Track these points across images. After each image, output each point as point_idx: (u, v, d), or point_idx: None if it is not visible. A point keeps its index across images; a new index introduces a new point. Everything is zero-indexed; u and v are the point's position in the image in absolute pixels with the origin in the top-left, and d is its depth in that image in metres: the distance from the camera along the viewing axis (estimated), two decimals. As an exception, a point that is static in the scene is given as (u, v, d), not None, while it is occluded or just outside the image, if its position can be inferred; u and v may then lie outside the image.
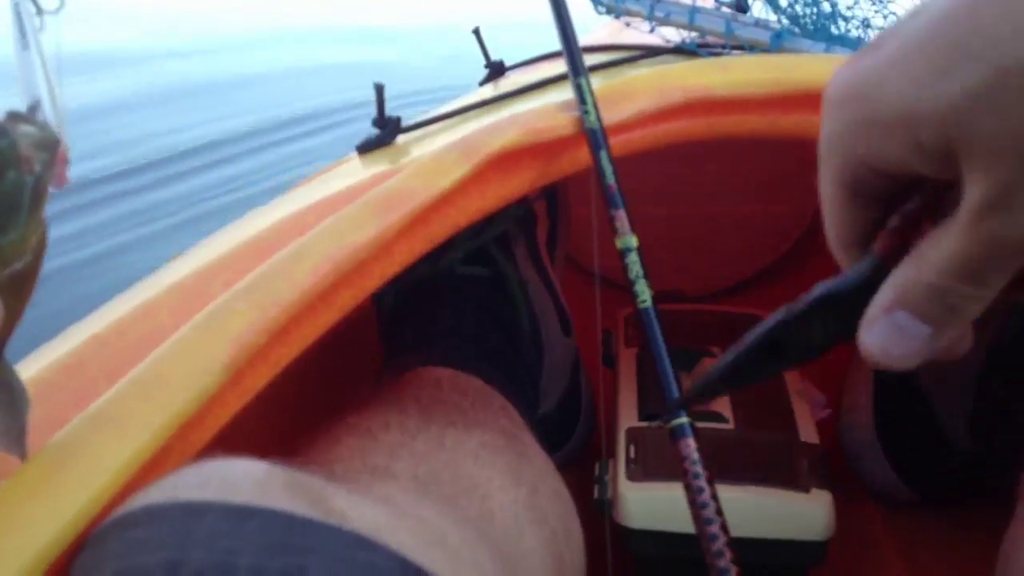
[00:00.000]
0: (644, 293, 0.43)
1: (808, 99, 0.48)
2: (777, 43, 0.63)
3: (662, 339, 0.42)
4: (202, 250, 0.47)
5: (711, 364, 0.35)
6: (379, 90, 0.58)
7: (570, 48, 0.49)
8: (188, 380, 0.30)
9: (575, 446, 0.72)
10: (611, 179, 0.45)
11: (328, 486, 0.29)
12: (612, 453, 0.61)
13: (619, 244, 0.45)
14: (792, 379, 0.67)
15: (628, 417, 0.63)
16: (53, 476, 0.27)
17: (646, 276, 0.44)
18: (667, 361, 0.42)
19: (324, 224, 0.39)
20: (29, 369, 0.35)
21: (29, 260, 0.27)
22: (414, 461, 0.42)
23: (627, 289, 0.44)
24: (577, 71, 0.48)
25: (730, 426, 0.61)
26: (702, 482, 0.38)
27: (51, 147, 0.27)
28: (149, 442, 0.28)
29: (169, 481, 0.27)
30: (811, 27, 0.66)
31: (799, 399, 0.65)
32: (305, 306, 0.35)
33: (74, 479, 0.27)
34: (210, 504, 0.25)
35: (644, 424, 0.62)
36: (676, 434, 0.40)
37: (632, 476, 0.57)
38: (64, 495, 0.26)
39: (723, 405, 0.63)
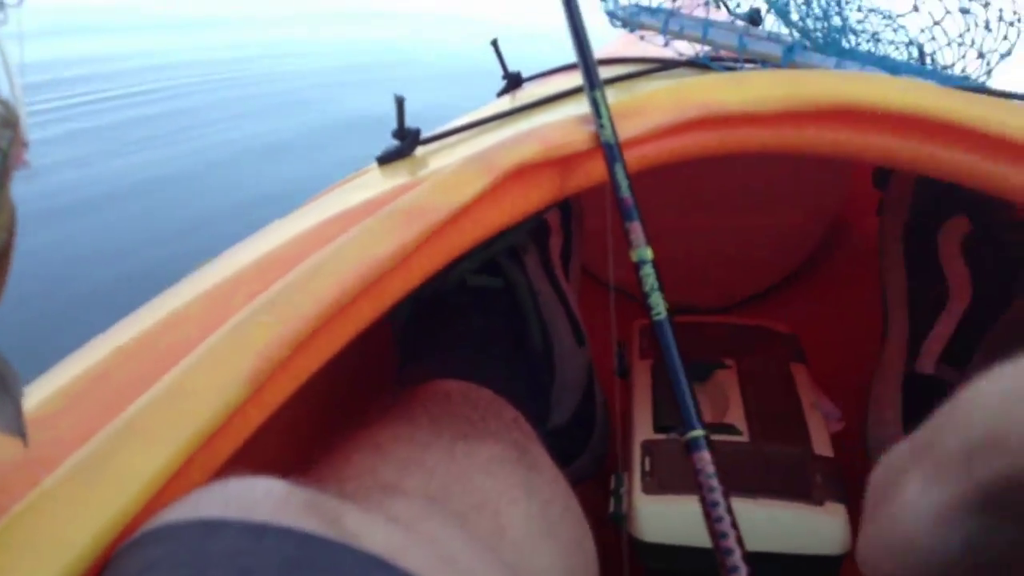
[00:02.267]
0: (659, 305, 0.44)
1: (819, 114, 0.48)
2: (789, 57, 0.64)
3: (677, 352, 0.43)
4: (225, 261, 0.48)
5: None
6: (399, 102, 0.58)
7: (586, 62, 0.49)
8: (213, 392, 0.31)
9: (589, 459, 0.72)
10: (626, 192, 0.46)
11: (342, 506, 0.29)
12: (627, 466, 0.62)
13: (634, 256, 0.45)
14: (805, 392, 0.67)
15: (643, 429, 0.63)
16: (82, 489, 0.27)
17: (661, 288, 0.44)
18: (682, 374, 0.42)
19: (345, 237, 0.39)
20: (56, 379, 0.36)
21: (3, 239, 0.26)
22: (425, 476, 0.42)
23: (642, 301, 0.44)
24: (592, 84, 0.48)
25: (744, 438, 0.61)
26: (717, 495, 0.38)
27: (12, 123, 0.26)
28: (176, 454, 0.29)
29: (191, 499, 0.27)
30: (822, 41, 0.67)
31: (813, 412, 0.65)
32: (327, 319, 0.36)
33: (103, 492, 0.27)
34: (229, 521, 0.25)
35: (659, 436, 0.62)
36: (691, 447, 0.40)
37: (648, 489, 0.57)
38: (93, 508, 0.26)
39: (737, 417, 0.63)
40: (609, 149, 0.46)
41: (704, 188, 0.90)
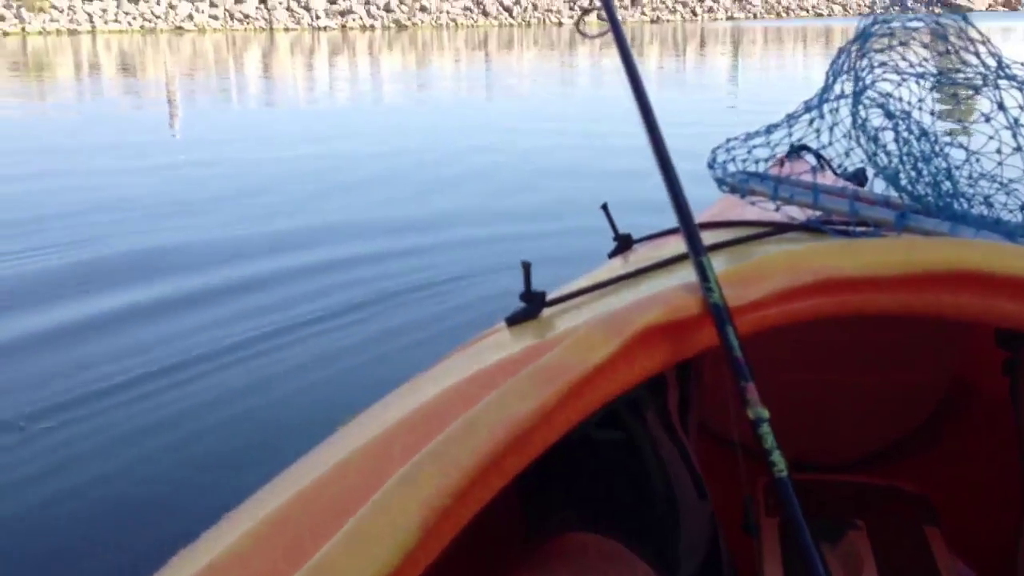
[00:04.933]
0: (780, 463, 0.45)
1: (937, 280, 0.50)
2: (902, 223, 0.66)
3: (800, 510, 0.43)
4: (375, 415, 0.52)
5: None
6: (526, 267, 0.63)
7: (689, 230, 0.52)
8: (390, 538, 0.34)
9: None
10: (738, 352, 0.48)
11: None
12: None
13: (751, 415, 0.46)
14: (941, 555, 0.66)
15: None
16: None
17: (780, 447, 0.45)
18: (807, 533, 0.43)
19: (492, 396, 0.43)
20: (241, 523, 0.39)
21: None
22: None
23: (763, 459, 0.45)
24: (698, 251, 0.51)
25: None
26: None
27: None
28: None
29: None
30: (933, 205, 0.68)
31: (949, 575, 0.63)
32: (481, 471, 0.39)
33: None
34: None
35: None
36: None
37: None
38: None
39: None
40: (718, 311, 0.48)
41: (820, 343, 0.91)
